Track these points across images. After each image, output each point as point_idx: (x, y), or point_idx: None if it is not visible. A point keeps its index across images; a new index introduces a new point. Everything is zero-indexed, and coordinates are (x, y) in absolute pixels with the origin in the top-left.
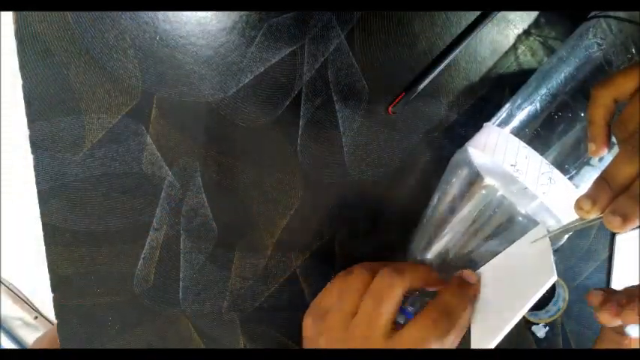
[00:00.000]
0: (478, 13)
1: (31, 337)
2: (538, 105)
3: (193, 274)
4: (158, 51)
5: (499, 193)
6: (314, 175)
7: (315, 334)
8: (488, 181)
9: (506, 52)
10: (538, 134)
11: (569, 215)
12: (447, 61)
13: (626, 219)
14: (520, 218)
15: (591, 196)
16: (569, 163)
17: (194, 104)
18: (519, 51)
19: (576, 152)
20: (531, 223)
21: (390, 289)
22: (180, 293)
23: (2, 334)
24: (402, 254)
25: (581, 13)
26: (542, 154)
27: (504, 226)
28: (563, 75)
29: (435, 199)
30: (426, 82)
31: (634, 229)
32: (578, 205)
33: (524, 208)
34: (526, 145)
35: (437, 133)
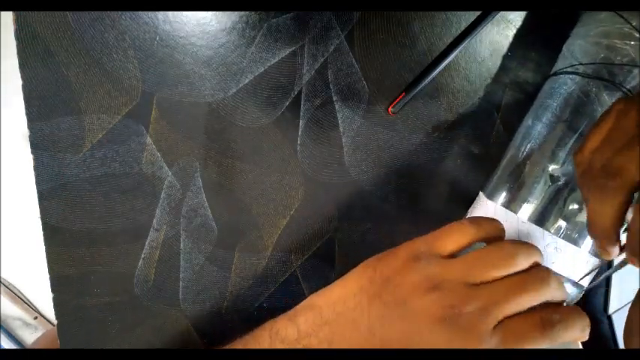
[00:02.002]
0: (478, 13)
1: (30, 337)
2: (522, 169)
3: (193, 275)
4: (158, 51)
5: None
6: (314, 175)
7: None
8: None
9: (506, 53)
10: (529, 199)
11: (582, 276)
12: (447, 61)
13: None
14: None
15: (600, 247)
16: (570, 225)
17: (194, 104)
18: (519, 52)
19: (569, 208)
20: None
21: (545, 288)
22: (180, 293)
23: (2, 334)
24: None
25: (579, 11)
26: (538, 217)
27: None
28: (545, 121)
29: None
30: (426, 82)
31: None
32: (602, 255)
33: None
34: (524, 220)
35: (437, 134)
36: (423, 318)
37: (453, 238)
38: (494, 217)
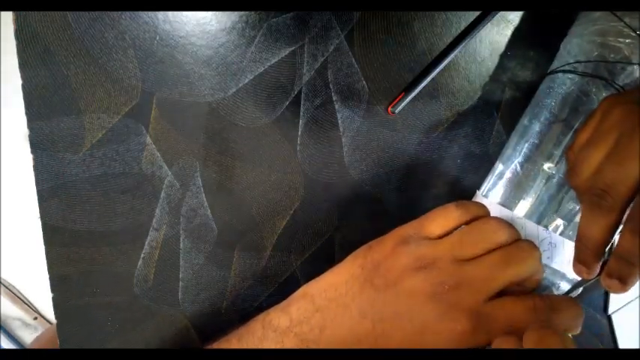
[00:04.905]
0: (478, 13)
1: (30, 337)
2: (517, 169)
3: (193, 274)
4: (158, 51)
5: None
6: (314, 175)
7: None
8: None
9: (506, 53)
10: (525, 197)
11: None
12: (446, 61)
13: (623, 281)
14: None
15: (580, 260)
16: (564, 219)
17: (194, 104)
18: (519, 51)
19: (565, 206)
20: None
21: (528, 258)
22: (180, 293)
23: (2, 334)
24: None
25: (579, 11)
26: (535, 215)
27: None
28: (542, 121)
29: None
30: (426, 82)
31: None
32: (576, 271)
33: None
34: (520, 216)
35: (436, 134)
36: (414, 296)
37: (439, 221)
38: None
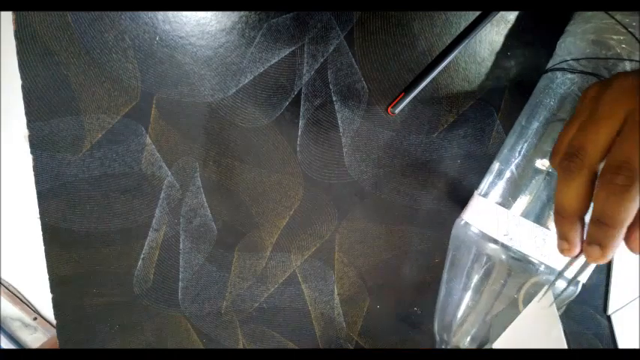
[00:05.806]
0: (478, 13)
1: (30, 337)
2: (514, 168)
3: (193, 275)
4: (158, 51)
5: (504, 259)
6: (314, 175)
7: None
8: (490, 251)
9: (506, 53)
10: (522, 196)
11: (573, 269)
12: (446, 62)
13: (603, 247)
14: (534, 270)
15: (560, 235)
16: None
17: (194, 104)
18: (518, 51)
19: None
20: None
21: None
22: (180, 294)
23: (2, 334)
24: (401, 257)
25: (579, 11)
26: (532, 214)
27: (521, 286)
28: (541, 120)
29: (445, 276)
30: (426, 82)
31: None
32: (559, 249)
33: (531, 270)
34: (515, 215)
35: (437, 134)
36: None
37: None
38: (487, 213)
